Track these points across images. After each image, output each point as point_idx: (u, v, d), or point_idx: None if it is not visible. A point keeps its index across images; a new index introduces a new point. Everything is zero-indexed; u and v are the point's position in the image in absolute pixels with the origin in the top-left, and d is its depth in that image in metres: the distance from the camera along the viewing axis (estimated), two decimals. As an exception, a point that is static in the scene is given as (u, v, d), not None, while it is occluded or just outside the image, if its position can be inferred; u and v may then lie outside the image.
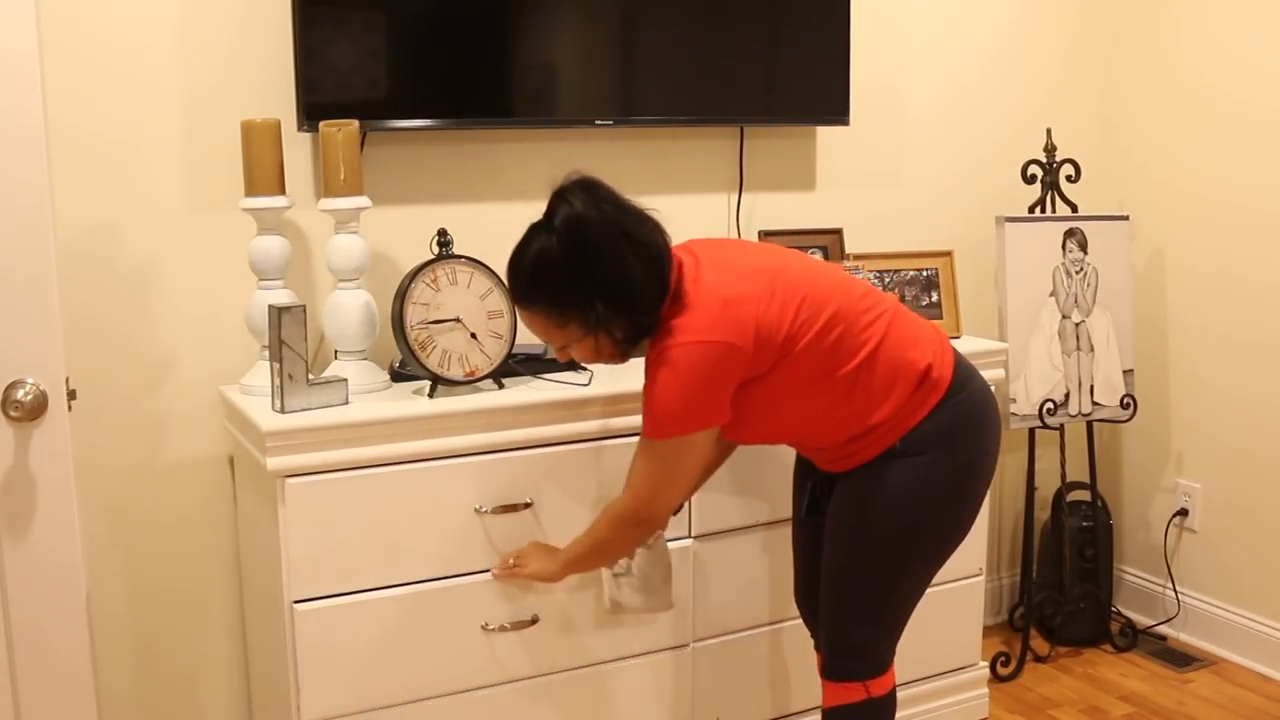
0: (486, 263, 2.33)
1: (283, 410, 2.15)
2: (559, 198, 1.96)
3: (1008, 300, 3.10)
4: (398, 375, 2.43)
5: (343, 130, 2.29)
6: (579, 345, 2.02)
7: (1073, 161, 3.23)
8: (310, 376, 2.19)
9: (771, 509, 2.56)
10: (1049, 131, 3.23)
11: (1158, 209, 3.40)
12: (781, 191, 3.04)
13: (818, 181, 3.09)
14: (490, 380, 2.34)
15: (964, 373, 2.09)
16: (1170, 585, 3.43)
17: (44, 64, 1.78)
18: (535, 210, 2.02)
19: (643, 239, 1.96)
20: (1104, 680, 3.17)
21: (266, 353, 2.31)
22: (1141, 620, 3.48)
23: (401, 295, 2.25)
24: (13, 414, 1.76)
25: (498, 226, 2.56)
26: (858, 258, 2.89)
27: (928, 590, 2.17)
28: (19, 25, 1.72)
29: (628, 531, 2.08)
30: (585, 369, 2.47)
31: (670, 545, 2.36)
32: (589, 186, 1.97)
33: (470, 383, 2.31)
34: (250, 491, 2.36)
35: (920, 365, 2.03)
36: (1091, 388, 3.20)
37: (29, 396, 1.76)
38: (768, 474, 2.52)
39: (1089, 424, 3.32)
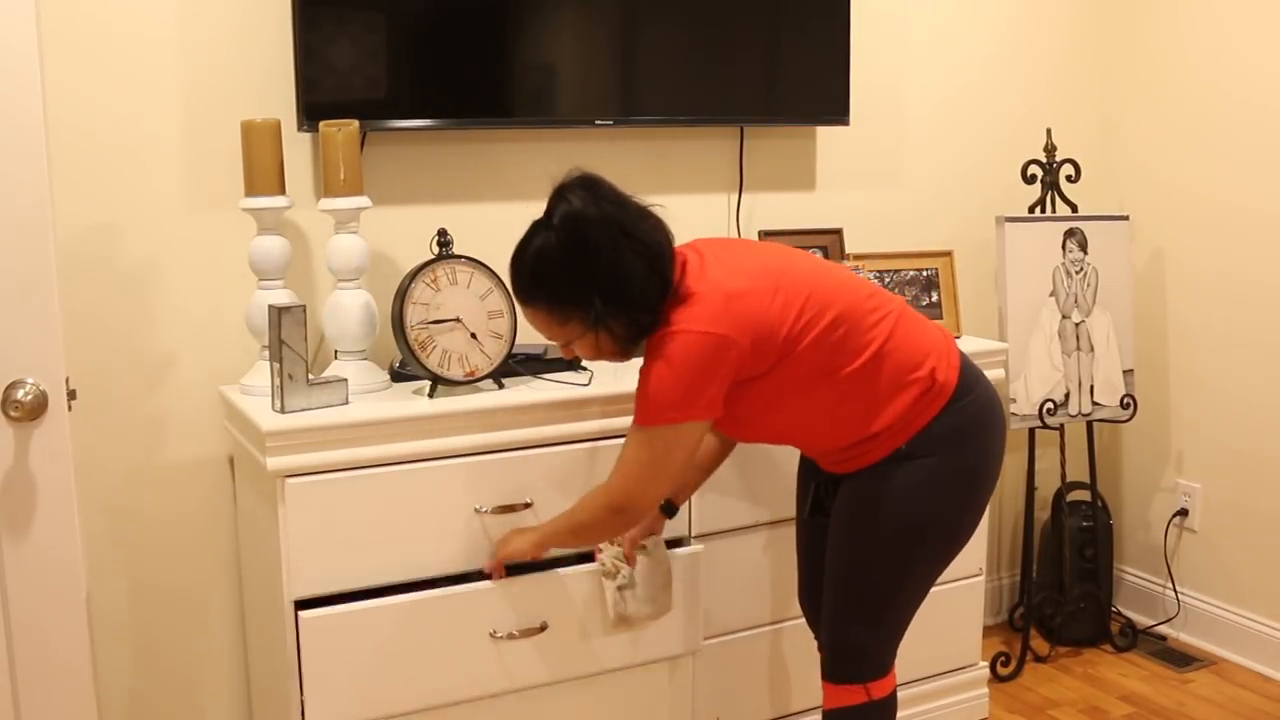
0: (486, 263, 2.33)
1: (283, 410, 2.15)
2: (559, 195, 1.97)
3: (1008, 300, 3.10)
4: (398, 375, 2.43)
5: (343, 130, 2.29)
6: (581, 342, 2.02)
7: (1073, 161, 3.23)
8: (310, 376, 2.19)
9: (772, 509, 2.56)
10: (1049, 131, 3.23)
11: (1158, 209, 3.40)
12: (781, 191, 3.04)
13: (818, 181, 3.09)
14: (490, 380, 2.34)
15: (970, 376, 2.08)
16: (1170, 585, 3.43)
17: (44, 64, 1.78)
18: (535, 210, 2.02)
19: (643, 236, 1.96)
20: (1104, 680, 3.17)
21: (266, 353, 2.31)
22: (1141, 620, 3.48)
23: (401, 295, 2.25)
24: (13, 414, 1.76)
25: (498, 226, 2.56)
26: (858, 258, 2.89)
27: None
28: (19, 25, 1.72)
29: (606, 518, 2.05)
30: (585, 369, 2.47)
31: (680, 551, 2.35)
32: (590, 184, 1.97)
33: (470, 383, 2.31)
34: (250, 491, 2.36)
35: (925, 368, 2.02)
36: (1091, 388, 3.20)
37: (29, 396, 1.76)
38: (769, 474, 2.52)
39: (1089, 424, 3.32)
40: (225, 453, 2.51)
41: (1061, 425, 3.22)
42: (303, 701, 2.12)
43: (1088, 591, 3.31)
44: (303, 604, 2.13)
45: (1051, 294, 3.15)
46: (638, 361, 2.07)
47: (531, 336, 2.39)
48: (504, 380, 2.37)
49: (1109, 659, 3.29)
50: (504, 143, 2.69)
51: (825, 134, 3.08)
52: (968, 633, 2.89)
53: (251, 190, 2.29)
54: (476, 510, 2.24)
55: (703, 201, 2.94)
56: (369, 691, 2.16)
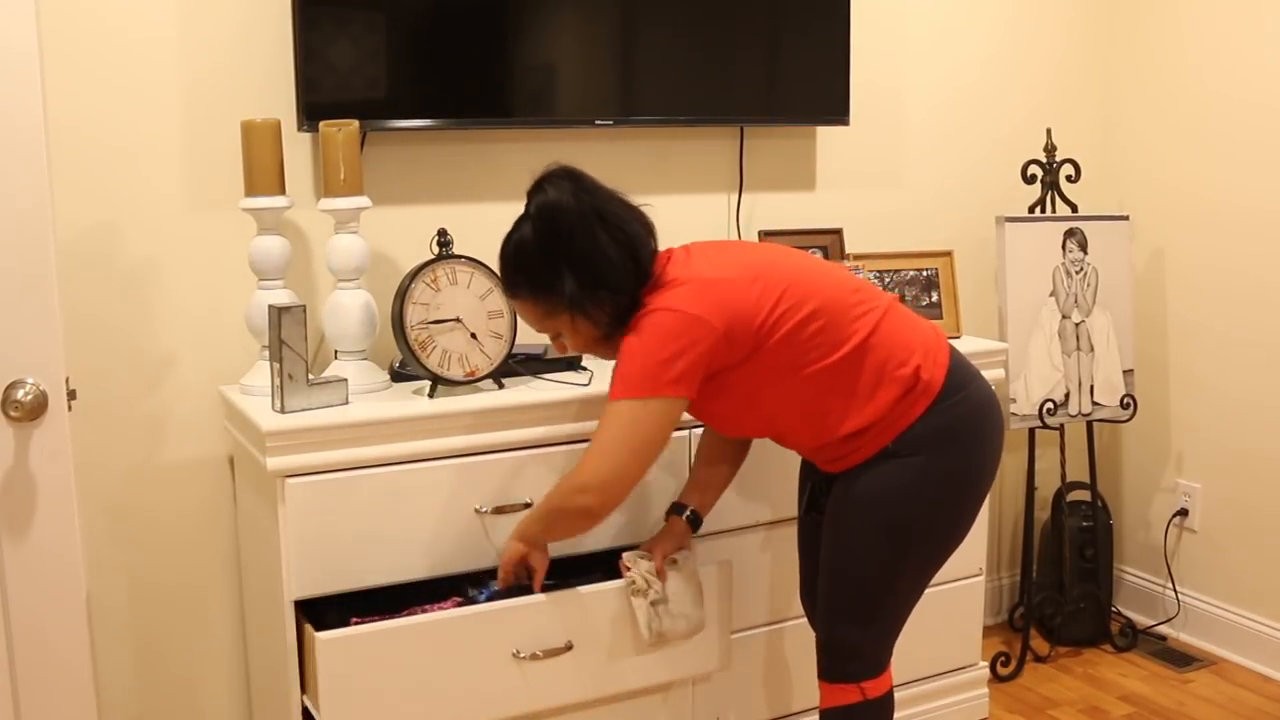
0: (486, 263, 2.33)
1: (283, 410, 2.15)
2: (536, 187, 2.03)
3: (1008, 300, 3.10)
4: (398, 375, 2.43)
5: (343, 130, 2.29)
6: (569, 333, 2.06)
7: (1073, 161, 3.23)
8: (310, 376, 2.19)
9: (772, 509, 2.56)
10: (1049, 131, 3.23)
11: (1158, 209, 3.40)
12: (781, 191, 3.04)
13: (818, 181, 3.09)
14: (490, 380, 2.34)
15: (961, 375, 2.07)
16: (1170, 585, 3.43)
17: (44, 64, 1.78)
18: (535, 210, 2.03)
19: (619, 223, 2.01)
20: (1104, 680, 3.17)
21: (266, 353, 2.31)
22: (1141, 620, 3.48)
23: (401, 295, 2.25)
24: (13, 414, 1.76)
25: (498, 226, 2.54)
26: (858, 258, 2.89)
27: (927, 590, 2.16)
28: (19, 25, 1.72)
29: (572, 498, 2.01)
30: (585, 369, 2.47)
31: (711, 565, 2.33)
32: (568, 175, 2.03)
33: (470, 383, 2.31)
34: (250, 491, 2.36)
35: (910, 365, 2.01)
36: (1091, 388, 3.20)
37: (29, 396, 1.76)
38: (768, 474, 2.52)
39: (1089, 424, 3.32)
40: (225, 453, 2.51)
41: (1061, 425, 3.22)
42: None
43: (1088, 591, 3.31)
44: (320, 625, 2.08)
45: (1051, 294, 3.15)
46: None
47: (531, 336, 2.40)
48: (504, 380, 2.37)
49: (1109, 659, 3.29)
50: (504, 143, 2.69)
51: (825, 134, 3.08)
52: (968, 633, 2.89)
53: (251, 190, 2.29)
54: (476, 510, 2.24)
55: (703, 201, 2.94)
56: (388, 715, 2.09)
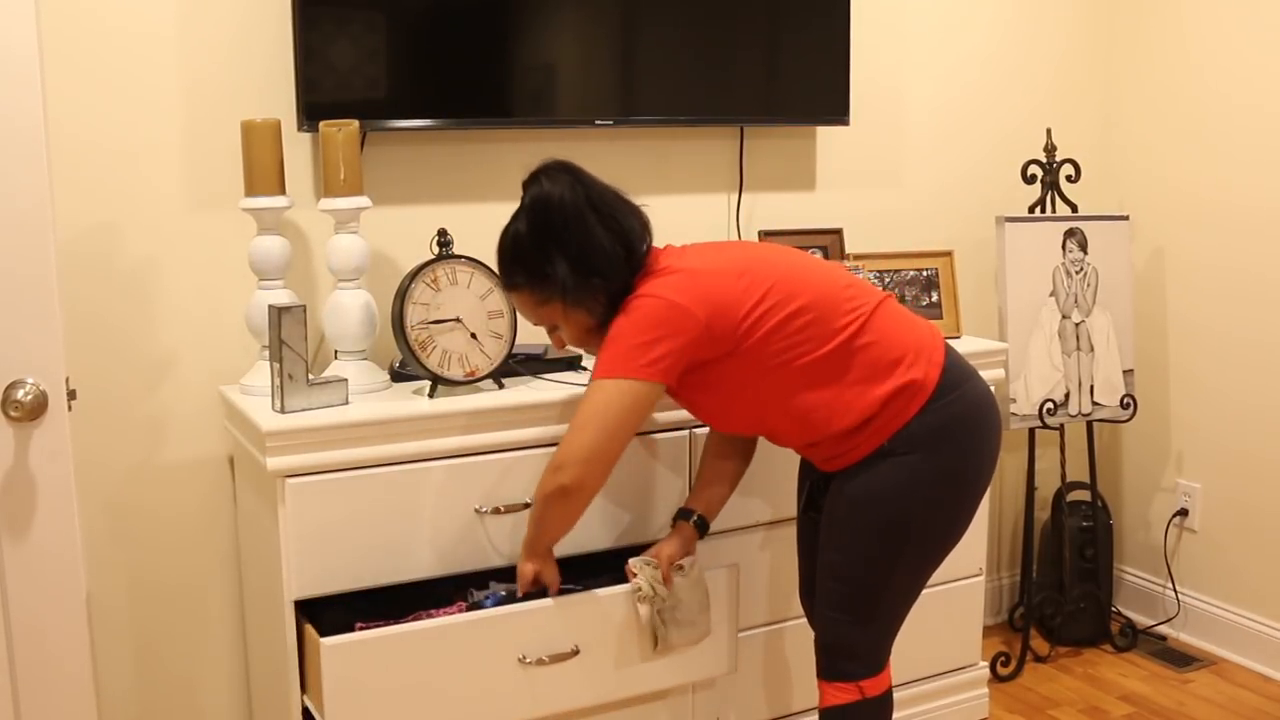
0: (486, 263, 2.33)
1: (283, 410, 2.15)
2: (531, 179, 2.07)
3: (1008, 300, 3.10)
4: (398, 375, 2.43)
5: (343, 130, 2.29)
6: (564, 323, 2.09)
7: (1073, 161, 3.23)
8: (310, 376, 2.19)
9: (772, 509, 2.56)
10: (1049, 131, 3.23)
11: (1158, 209, 3.40)
12: (781, 191, 3.04)
13: (818, 181, 3.09)
14: (490, 380, 2.34)
15: (956, 374, 2.06)
16: (1170, 585, 3.43)
17: (44, 64, 1.78)
18: (535, 210, 2.04)
19: (611, 213, 2.05)
20: (1104, 680, 3.17)
21: (266, 353, 2.31)
22: (1141, 620, 3.48)
23: (401, 295, 2.25)
24: (13, 414, 1.76)
25: (498, 226, 2.54)
26: (858, 258, 2.89)
27: (927, 590, 2.16)
28: (19, 25, 1.72)
29: (549, 479, 2.00)
30: (585, 369, 2.47)
31: (719, 569, 2.32)
32: (563, 168, 2.07)
33: (470, 383, 2.31)
34: (250, 491, 2.36)
35: (903, 364, 2.01)
36: (1091, 388, 3.20)
37: (29, 396, 1.76)
38: (767, 474, 2.52)
39: (1089, 424, 3.32)
40: (225, 453, 2.51)
41: (1061, 425, 3.22)
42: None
43: (1088, 591, 3.31)
44: (319, 626, 2.08)
45: (1051, 294, 3.16)
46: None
47: (531, 337, 2.40)
48: (504, 380, 2.37)
49: (1109, 659, 3.29)
50: (504, 143, 2.69)
51: (825, 134, 3.08)
52: (968, 632, 2.89)
53: (251, 190, 2.29)
54: (476, 510, 2.24)
55: (703, 201, 2.94)
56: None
